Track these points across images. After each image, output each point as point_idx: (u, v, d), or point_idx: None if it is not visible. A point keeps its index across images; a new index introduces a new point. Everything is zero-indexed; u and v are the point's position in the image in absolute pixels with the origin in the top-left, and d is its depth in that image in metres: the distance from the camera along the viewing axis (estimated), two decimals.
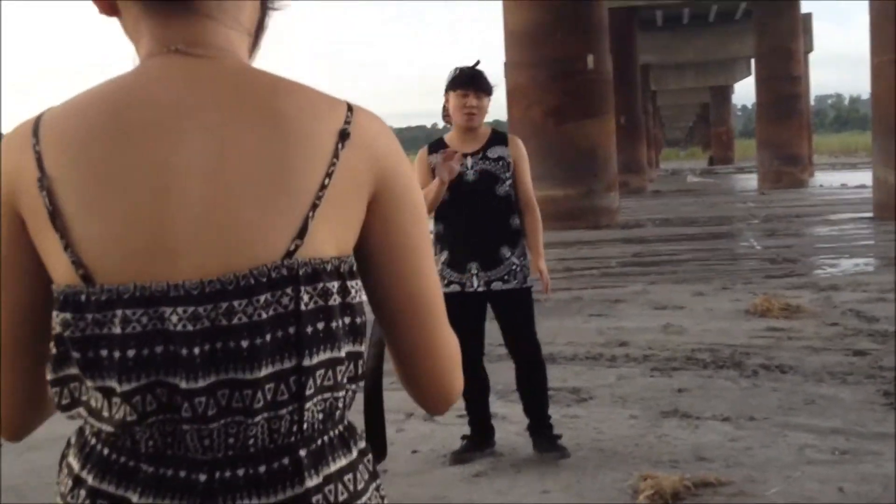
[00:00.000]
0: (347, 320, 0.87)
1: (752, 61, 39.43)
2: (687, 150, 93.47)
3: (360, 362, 0.90)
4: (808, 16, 44.23)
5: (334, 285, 0.85)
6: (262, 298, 0.82)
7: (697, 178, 46.53)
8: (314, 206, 0.85)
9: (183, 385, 0.81)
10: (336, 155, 0.87)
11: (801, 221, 17.75)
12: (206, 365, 0.82)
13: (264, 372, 0.82)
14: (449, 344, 0.98)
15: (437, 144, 3.90)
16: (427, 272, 0.95)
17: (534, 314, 3.95)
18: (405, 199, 0.93)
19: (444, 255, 3.77)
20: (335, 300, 0.85)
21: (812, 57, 47.23)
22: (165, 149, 0.84)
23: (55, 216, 0.84)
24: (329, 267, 0.85)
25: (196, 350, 0.81)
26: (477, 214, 3.74)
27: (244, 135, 0.85)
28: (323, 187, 0.85)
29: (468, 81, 3.74)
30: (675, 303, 7.69)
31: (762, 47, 34.08)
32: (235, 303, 0.82)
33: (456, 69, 3.81)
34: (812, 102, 54.24)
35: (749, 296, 7.75)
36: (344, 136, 0.88)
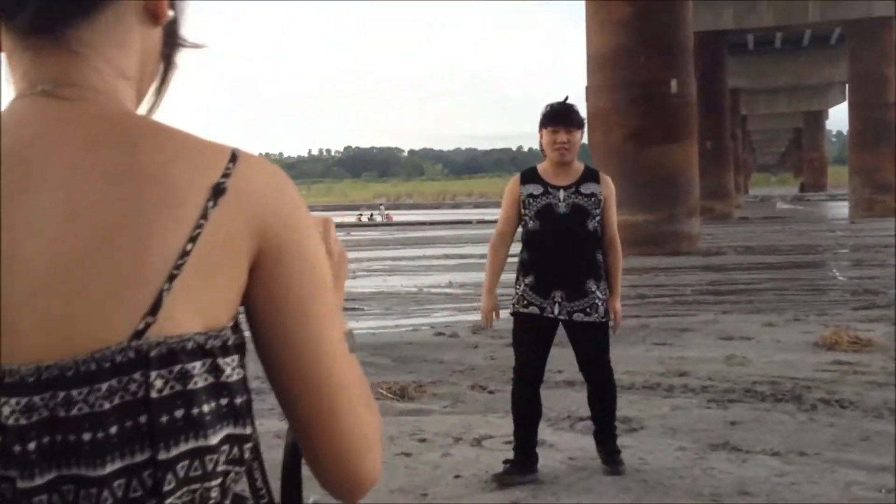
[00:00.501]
0: (223, 401, 0.76)
1: (847, 86, 38.38)
2: (778, 175, 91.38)
3: (249, 445, 0.80)
4: None
5: (196, 366, 0.75)
6: (105, 386, 0.72)
7: (787, 204, 45.53)
8: (171, 277, 0.74)
9: (19, 484, 0.72)
10: (204, 215, 0.76)
11: (889, 252, 17.18)
12: (45, 460, 0.72)
13: (111, 468, 0.72)
14: (359, 425, 0.85)
15: (530, 174, 4.03)
16: (328, 343, 0.83)
17: (609, 346, 4.10)
18: (298, 261, 0.81)
19: (529, 279, 3.93)
20: (199, 382, 0.75)
21: None
22: (12, 207, 0.75)
23: None
24: (190, 345, 0.75)
25: (32, 445, 0.72)
26: (567, 246, 3.88)
27: (99, 192, 0.75)
28: (185, 253, 0.74)
29: (558, 118, 3.88)
30: (743, 333, 7.59)
31: (855, 73, 33.26)
32: (74, 392, 0.72)
33: (547, 106, 3.96)
34: None
35: (821, 328, 7.60)
36: (218, 191, 0.77)
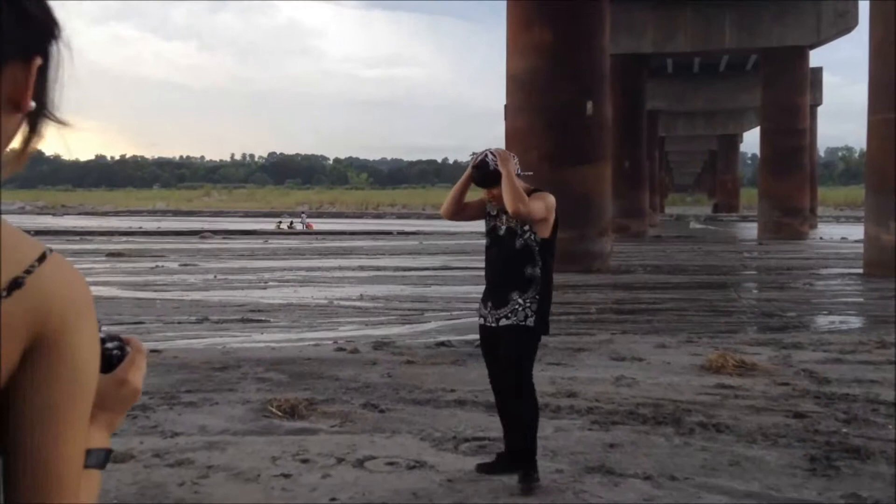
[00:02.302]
0: None
1: (760, 112, 39.60)
2: (694, 196, 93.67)
3: None
4: (818, 70, 44.59)
5: None
6: None
7: (700, 224, 46.72)
8: None
9: None
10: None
11: (791, 275, 17.82)
12: None
13: None
14: None
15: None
16: (63, 456, 0.86)
17: (531, 357, 4.46)
18: (63, 364, 0.86)
19: (483, 292, 4.49)
20: None
21: (824, 110, 47.49)
22: None
23: None
24: None
25: None
26: (500, 263, 4.41)
27: None
28: None
29: (481, 183, 4.39)
30: (635, 354, 7.78)
31: (768, 101, 34.34)
32: None
33: (472, 167, 4.41)
34: (821, 154, 54.37)
35: (710, 350, 7.84)
36: (15, 284, 0.83)
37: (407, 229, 37.94)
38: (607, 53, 19.38)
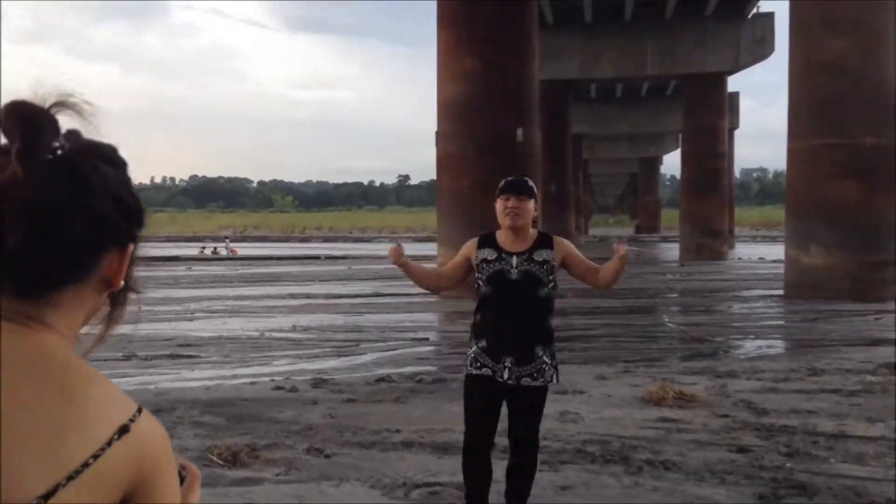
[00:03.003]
0: None
1: (680, 136, 40.62)
2: (616, 217, 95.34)
3: None
4: (735, 94, 45.96)
5: None
6: None
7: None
8: (70, 477, 0.91)
9: None
10: (109, 443, 0.95)
11: (715, 297, 18.20)
12: None
13: None
14: None
15: (487, 240, 4.15)
16: None
17: (542, 413, 4.15)
18: (157, 498, 1.01)
19: (482, 342, 3.99)
20: None
21: (739, 132, 48.92)
22: None
23: None
24: None
25: None
26: (517, 312, 3.96)
27: (34, 399, 0.94)
28: (86, 465, 0.93)
29: (509, 187, 4.08)
30: (576, 386, 7.79)
31: (689, 125, 35.27)
32: None
33: (503, 181, 4.15)
34: (737, 175, 55.99)
35: (648, 380, 7.91)
36: (124, 430, 0.97)
37: (335, 253, 37.66)
38: (537, 80, 19.62)
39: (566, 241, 4.18)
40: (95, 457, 0.94)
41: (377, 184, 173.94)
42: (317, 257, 35.33)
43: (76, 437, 0.93)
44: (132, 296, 1.14)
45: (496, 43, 18.26)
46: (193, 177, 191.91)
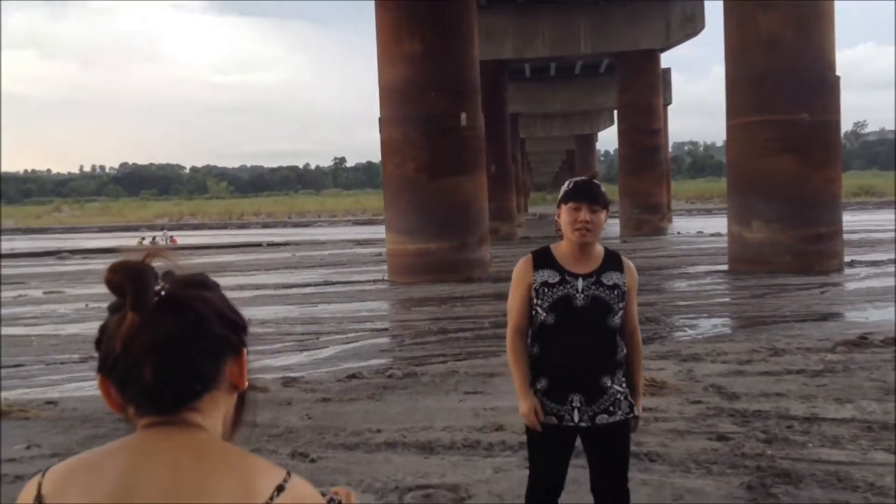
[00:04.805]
0: None
1: (615, 112, 41.06)
2: (553, 194, 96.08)
3: None
4: (667, 70, 46.59)
5: None
6: None
7: None
8: None
9: None
10: (271, 498, 1.14)
11: (661, 275, 18.48)
12: None
13: None
14: None
15: (544, 258, 3.47)
16: None
17: (629, 452, 3.60)
18: None
19: (542, 383, 3.42)
20: None
21: (670, 106, 49.67)
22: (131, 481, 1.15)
23: None
24: None
25: None
26: (585, 344, 3.37)
27: (211, 479, 1.14)
28: None
29: (582, 194, 3.39)
30: None
31: (623, 103, 35.66)
32: None
33: (570, 181, 3.49)
34: (670, 150, 56.79)
35: None
36: (280, 489, 1.15)
37: (276, 240, 37.27)
38: (477, 62, 19.62)
39: (634, 268, 3.53)
40: None
41: (312, 167, 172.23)
42: (258, 244, 34.96)
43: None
44: (251, 394, 1.34)
45: (435, 25, 18.20)
46: (124, 164, 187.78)
